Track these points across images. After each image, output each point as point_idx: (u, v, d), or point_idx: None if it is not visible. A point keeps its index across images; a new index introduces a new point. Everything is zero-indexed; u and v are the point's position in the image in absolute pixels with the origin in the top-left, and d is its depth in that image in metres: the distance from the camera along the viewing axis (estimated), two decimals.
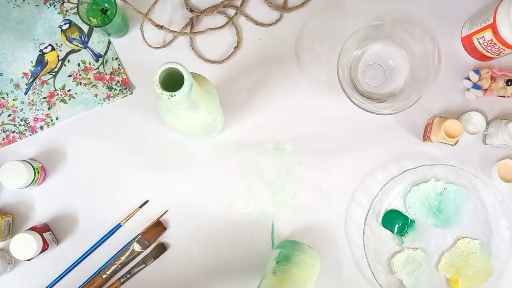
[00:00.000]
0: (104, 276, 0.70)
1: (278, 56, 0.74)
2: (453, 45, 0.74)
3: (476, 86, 0.72)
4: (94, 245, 0.71)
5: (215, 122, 0.58)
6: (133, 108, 0.73)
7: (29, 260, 0.67)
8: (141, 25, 0.73)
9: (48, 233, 0.69)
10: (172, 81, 0.46)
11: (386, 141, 0.73)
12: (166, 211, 0.71)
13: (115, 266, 0.70)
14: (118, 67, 0.73)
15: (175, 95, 0.44)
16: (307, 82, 0.74)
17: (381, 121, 0.73)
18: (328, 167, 0.73)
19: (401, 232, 0.72)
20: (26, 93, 0.72)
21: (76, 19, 0.73)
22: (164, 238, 0.71)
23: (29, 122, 0.72)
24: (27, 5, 0.73)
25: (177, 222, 0.72)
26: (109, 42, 0.73)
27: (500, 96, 0.72)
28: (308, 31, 0.74)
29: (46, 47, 0.73)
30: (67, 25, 0.73)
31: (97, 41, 0.73)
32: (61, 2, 0.73)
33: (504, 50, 0.67)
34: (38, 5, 0.73)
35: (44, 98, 0.72)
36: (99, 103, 0.72)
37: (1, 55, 0.72)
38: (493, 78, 0.71)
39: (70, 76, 0.73)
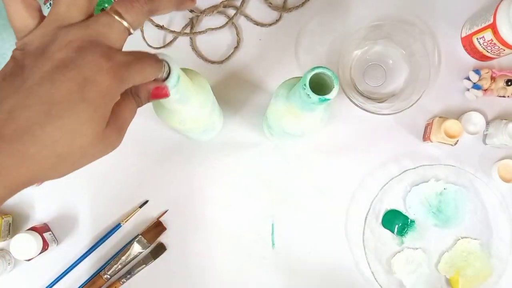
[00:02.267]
0: (105, 276, 0.70)
1: (278, 56, 0.74)
2: (453, 45, 0.74)
3: (476, 86, 0.72)
4: (94, 245, 0.71)
5: (211, 118, 0.58)
6: None
7: (29, 260, 0.67)
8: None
9: (48, 233, 0.69)
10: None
11: (386, 141, 0.73)
12: (166, 211, 0.71)
13: (115, 266, 0.70)
14: None
15: None
16: None
17: (381, 121, 0.73)
18: (328, 167, 0.73)
19: (401, 232, 0.72)
20: None
21: None
22: (164, 238, 0.71)
23: None
24: None
25: (177, 222, 0.72)
26: None
27: (500, 96, 0.72)
28: (308, 31, 0.74)
29: None
30: None
31: None
32: None
33: (504, 50, 0.67)
34: None
35: None
36: None
37: (1, 55, 0.72)
38: (493, 78, 0.72)
39: None
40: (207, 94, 0.54)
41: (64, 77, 0.28)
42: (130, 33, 0.31)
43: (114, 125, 0.31)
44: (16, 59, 0.30)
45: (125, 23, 0.31)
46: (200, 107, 0.52)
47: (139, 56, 0.31)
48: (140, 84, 0.33)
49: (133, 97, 0.34)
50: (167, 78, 0.36)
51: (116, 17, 0.30)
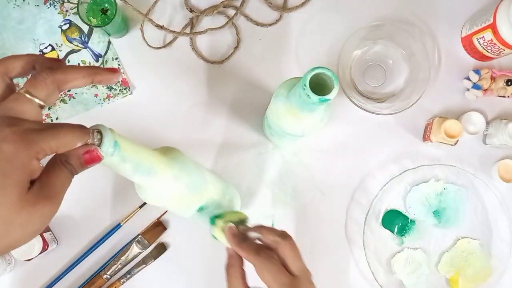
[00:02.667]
0: (105, 276, 0.70)
1: (278, 56, 0.74)
2: (453, 45, 0.74)
3: (476, 86, 0.72)
4: (94, 245, 0.71)
5: (198, 193, 0.52)
6: (133, 108, 0.73)
7: (29, 260, 0.67)
8: (141, 25, 0.73)
9: (48, 233, 0.69)
10: None
11: (386, 141, 0.73)
12: (166, 211, 0.71)
13: (115, 266, 0.70)
14: (118, 67, 0.73)
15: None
16: None
17: (381, 121, 0.73)
18: (328, 167, 0.73)
19: (401, 232, 0.72)
20: None
21: (76, 19, 0.73)
22: (164, 238, 0.71)
23: None
24: (27, 5, 0.73)
25: (177, 222, 0.72)
26: (109, 42, 0.73)
27: (500, 96, 0.72)
28: (308, 31, 0.74)
29: (46, 47, 0.73)
30: (67, 25, 0.73)
31: (97, 41, 0.73)
32: (61, 2, 0.73)
33: (504, 50, 0.67)
34: (38, 5, 0.73)
35: None
36: (99, 103, 0.72)
37: (1, 55, 0.72)
38: (493, 78, 0.72)
39: None
40: (182, 165, 0.49)
41: None
42: (42, 107, 0.33)
43: (41, 192, 0.32)
44: None
45: (35, 99, 0.33)
46: (175, 180, 0.48)
47: (56, 124, 0.32)
48: (70, 150, 0.33)
49: (63, 165, 0.34)
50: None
51: (24, 93, 0.32)
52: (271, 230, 0.50)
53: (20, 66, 0.35)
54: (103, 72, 0.36)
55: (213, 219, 0.54)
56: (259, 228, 0.51)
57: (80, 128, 0.34)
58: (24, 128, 0.31)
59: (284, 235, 0.49)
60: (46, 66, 0.35)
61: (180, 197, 0.50)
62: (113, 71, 0.37)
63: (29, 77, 0.34)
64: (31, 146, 0.30)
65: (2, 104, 0.32)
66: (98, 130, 0.36)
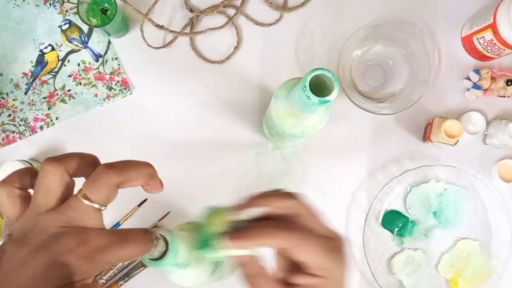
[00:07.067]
0: (101, 281, 0.69)
1: (278, 56, 0.74)
2: (453, 45, 0.74)
3: (476, 86, 0.72)
4: None
5: (217, 272, 0.56)
6: (133, 108, 0.73)
7: None
8: (141, 25, 0.73)
9: None
10: None
11: (386, 141, 0.73)
12: (168, 213, 0.71)
13: (112, 271, 0.70)
14: (118, 67, 0.73)
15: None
16: None
17: (381, 121, 0.72)
18: (328, 167, 0.73)
19: (401, 233, 0.72)
20: (26, 93, 0.72)
21: (76, 19, 0.73)
22: None
23: (29, 122, 0.72)
24: (27, 5, 0.73)
25: (177, 222, 0.71)
26: (109, 42, 0.73)
27: (500, 96, 0.72)
28: (308, 31, 0.74)
29: (46, 47, 0.73)
30: (67, 25, 0.73)
31: (97, 41, 0.73)
32: (61, 2, 0.73)
33: (504, 50, 0.66)
34: (38, 5, 0.73)
35: (44, 98, 0.72)
36: (99, 103, 0.72)
37: (1, 55, 0.72)
38: (493, 78, 0.71)
39: (70, 76, 0.73)
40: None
41: (34, 261, 0.29)
42: (101, 210, 0.33)
43: None
44: (3, 245, 0.31)
45: (95, 205, 0.32)
46: (203, 271, 0.53)
47: (122, 236, 0.32)
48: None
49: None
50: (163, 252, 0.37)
51: (84, 201, 0.31)
52: (275, 197, 0.39)
53: (82, 165, 0.34)
54: (157, 178, 0.36)
55: (205, 242, 0.38)
56: (257, 201, 0.39)
57: (146, 241, 0.33)
58: (91, 247, 0.30)
59: (290, 194, 0.38)
60: (107, 165, 0.34)
61: (203, 279, 0.55)
62: (162, 184, 0.38)
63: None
64: (94, 266, 0.30)
65: (65, 212, 0.32)
66: (161, 238, 0.36)
